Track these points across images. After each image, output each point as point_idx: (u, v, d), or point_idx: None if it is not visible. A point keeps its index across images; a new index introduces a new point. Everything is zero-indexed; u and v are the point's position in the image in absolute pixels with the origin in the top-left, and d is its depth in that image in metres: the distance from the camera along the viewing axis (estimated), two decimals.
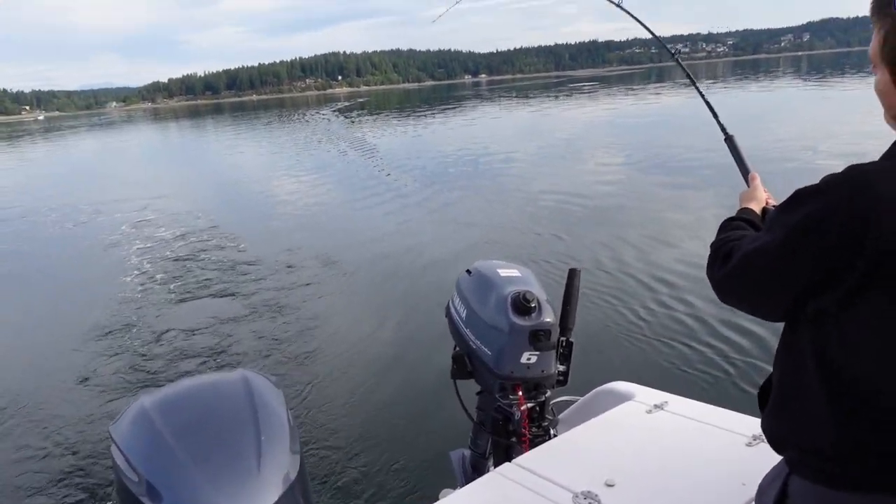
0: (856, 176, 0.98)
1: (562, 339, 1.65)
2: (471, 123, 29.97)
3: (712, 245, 1.27)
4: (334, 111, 54.46)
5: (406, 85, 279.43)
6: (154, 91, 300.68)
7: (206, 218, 12.10)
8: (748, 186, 1.61)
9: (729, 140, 1.91)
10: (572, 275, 1.72)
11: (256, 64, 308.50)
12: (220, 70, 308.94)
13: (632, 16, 2.34)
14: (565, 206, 10.37)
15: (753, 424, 1.56)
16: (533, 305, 1.54)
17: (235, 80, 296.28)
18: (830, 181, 1.00)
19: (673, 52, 2.24)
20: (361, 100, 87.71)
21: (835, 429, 1.02)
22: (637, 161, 14.40)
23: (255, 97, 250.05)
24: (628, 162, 14.46)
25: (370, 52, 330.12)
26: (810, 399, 1.05)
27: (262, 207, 13.40)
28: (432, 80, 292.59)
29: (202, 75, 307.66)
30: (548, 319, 1.56)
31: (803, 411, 1.07)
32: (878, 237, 0.93)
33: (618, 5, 2.33)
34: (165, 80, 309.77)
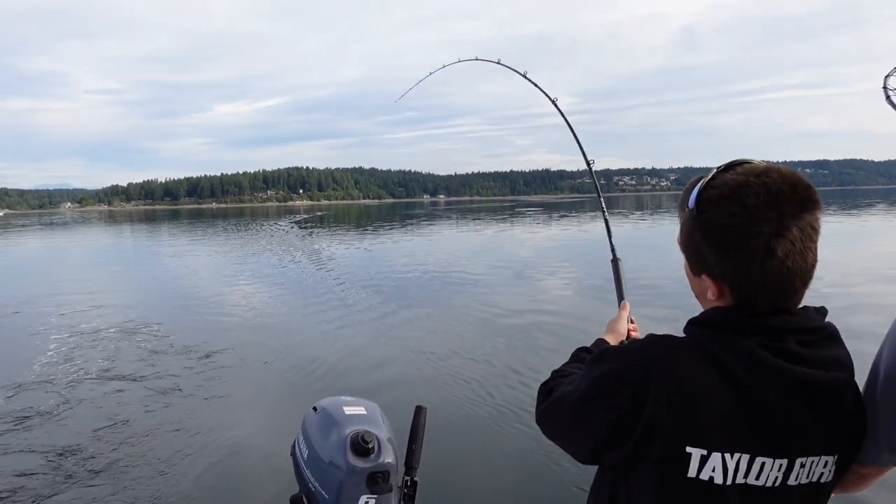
0: (650, 348, 1.07)
1: (406, 478, 1.63)
2: (423, 239, 30.59)
3: (552, 373, 1.36)
4: (292, 222, 54.96)
5: (366, 201, 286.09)
6: (112, 194, 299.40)
7: (135, 314, 12.22)
8: (618, 313, 1.68)
9: (614, 262, 1.96)
10: (418, 412, 1.71)
11: (219, 173, 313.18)
12: (182, 177, 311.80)
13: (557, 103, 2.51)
14: (493, 326, 10.28)
15: None
16: (371, 446, 1.51)
17: (196, 188, 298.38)
18: (631, 347, 1.11)
19: (589, 161, 2.40)
20: (320, 213, 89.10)
21: None
22: (576, 282, 14.76)
23: (214, 205, 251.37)
24: (568, 284, 14.79)
25: (333, 168, 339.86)
26: None
27: (186, 302, 13.79)
28: (392, 198, 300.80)
29: (163, 181, 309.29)
30: (387, 460, 1.53)
31: None
32: (653, 407, 1.02)
33: (552, 101, 2.50)
34: (124, 184, 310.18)
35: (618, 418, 1.05)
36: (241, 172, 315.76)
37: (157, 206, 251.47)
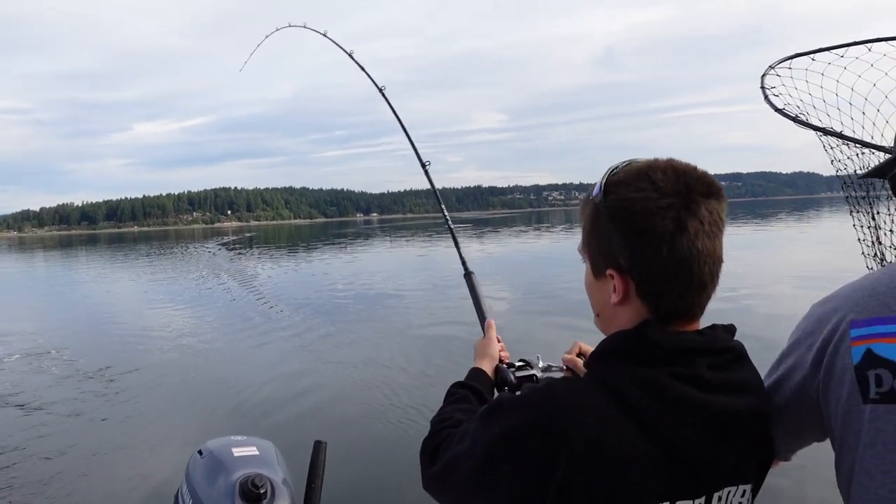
0: (553, 396, 0.96)
1: None
2: (355, 260, 30.17)
3: (431, 425, 1.22)
4: (219, 245, 53.25)
5: (297, 221, 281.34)
6: (22, 219, 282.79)
7: (42, 340, 11.77)
8: (483, 334, 1.54)
9: (468, 277, 1.86)
10: (317, 448, 1.60)
11: (141, 195, 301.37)
12: (101, 200, 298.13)
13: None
14: (411, 345, 9.74)
15: None
16: (263, 491, 1.39)
17: (116, 211, 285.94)
18: (530, 398, 0.98)
19: (425, 162, 2.35)
20: (250, 234, 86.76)
21: None
22: (519, 294, 14.85)
23: (135, 229, 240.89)
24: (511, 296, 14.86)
25: (262, 188, 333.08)
26: None
27: (97, 327, 13.34)
28: (324, 218, 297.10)
29: (79, 205, 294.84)
30: None
31: None
32: (566, 467, 0.90)
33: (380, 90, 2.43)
34: (37, 209, 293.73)
35: (525, 483, 0.94)
36: (164, 194, 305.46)
37: (73, 231, 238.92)
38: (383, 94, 2.53)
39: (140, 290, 20.77)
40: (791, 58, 1.78)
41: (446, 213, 2.17)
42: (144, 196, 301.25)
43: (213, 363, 9.46)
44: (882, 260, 1.90)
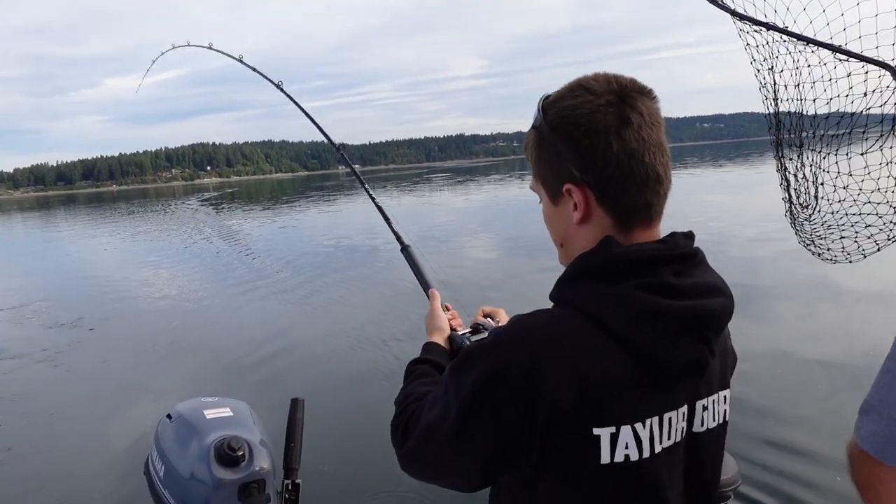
0: (525, 330, 0.94)
1: (286, 482, 1.48)
2: (337, 213, 29.90)
3: (396, 404, 1.18)
4: (200, 201, 52.52)
5: (279, 175, 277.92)
6: None
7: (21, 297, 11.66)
8: (429, 305, 1.50)
9: (405, 251, 1.84)
10: (294, 406, 1.56)
11: (117, 153, 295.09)
12: (76, 160, 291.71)
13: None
14: (390, 300, 9.28)
15: None
16: (241, 454, 1.34)
17: (93, 170, 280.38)
18: (500, 337, 0.95)
19: (337, 145, 2.38)
20: (231, 190, 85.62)
21: None
22: (502, 243, 14.85)
23: (114, 188, 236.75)
24: (495, 245, 14.85)
25: (241, 142, 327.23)
26: None
27: (75, 283, 13.43)
28: (306, 171, 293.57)
29: (54, 165, 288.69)
30: (261, 466, 1.37)
31: None
32: (552, 395, 0.88)
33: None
34: (10, 170, 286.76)
35: (511, 425, 0.91)
36: (141, 151, 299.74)
37: (49, 193, 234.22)
38: (281, 89, 2.51)
39: (120, 248, 20.56)
40: None
41: (370, 192, 2.24)
42: (121, 154, 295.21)
43: (187, 322, 9.23)
44: (793, 222, 1.91)
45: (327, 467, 4.33)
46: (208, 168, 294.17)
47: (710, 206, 18.18)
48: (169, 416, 1.44)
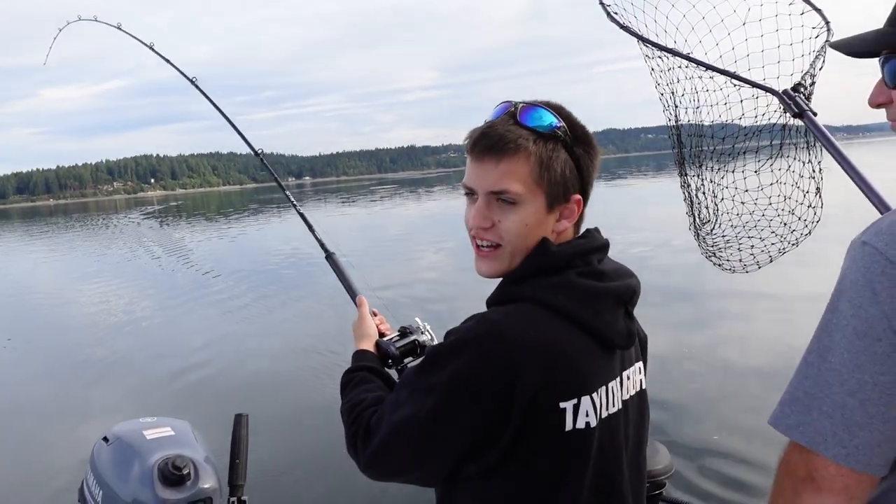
0: (493, 324, 1.00)
1: (232, 500, 1.47)
2: (283, 222, 29.39)
3: (343, 414, 1.19)
4: (143, 215, 50.85)
5: (227, 188, 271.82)
6: None
7: None
8: (357, 312, 1.52)
9: (330, 258, 1.86)
10: (238, 422, 1.55)
11: (55, 166, 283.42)
12: (10, 173, 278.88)
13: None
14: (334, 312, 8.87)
15: None
16: (186, 472, 1.32)
17: (28, 184, 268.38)
18: (469, 333, 1.00)
19: (257, 151, 2.39)
20: (176, 203, 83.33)
21: None
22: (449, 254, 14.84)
23: (51, 202, 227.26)
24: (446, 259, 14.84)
25: (187, 154, 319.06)
26: None
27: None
28: (254, 183, 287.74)
29: None
30: (207, 485, 1.35)
31: None
32: (528, 378, 0.95)
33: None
34: None
35: (489, 414, 0.97)
36: (81, 164, 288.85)
37: None
38: (196, 85, 2.47)
39: (52, 263, 19.83)
40: None
41: (293, 200, 2.21)
42: (59, 167, 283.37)
43: (120, 339, 8.82)
44: (696, 235, 2.08)
45: (273, 482, 4.24)
46: (152, 181, 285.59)
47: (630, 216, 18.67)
48: (105, 439, 1.40)
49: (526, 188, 1.04)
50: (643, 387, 1.19)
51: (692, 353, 6.13)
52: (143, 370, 7.25)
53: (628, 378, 1.13)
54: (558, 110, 1.08)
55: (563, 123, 1.06)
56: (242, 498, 1.48)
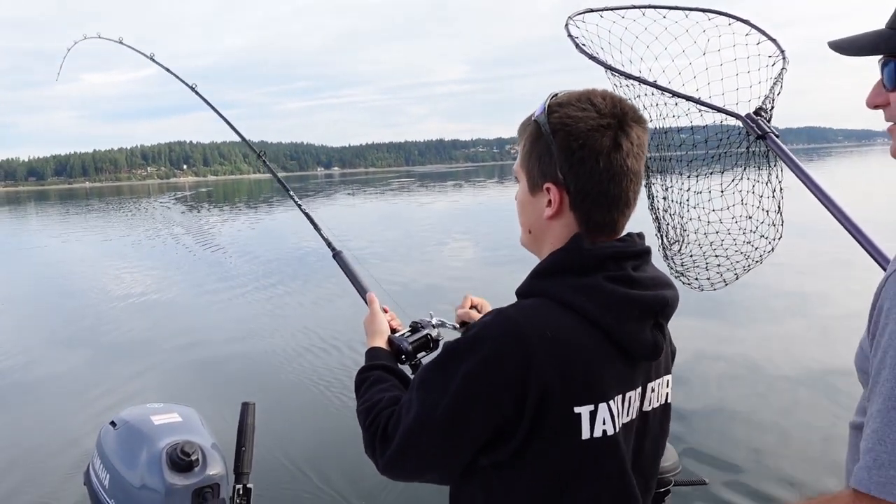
0: (510, 320, 1.00)
1: (237, 487, 1.50)
2: (313, 212, 29.44)
3: (359, 415, 1.19)
4: (174, 199, 51.71)
5: (257, 175, 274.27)
6: None
7: None
8: (368, 309, 1.52)
9: (337, 256, 1.85)
10: (245, 410, 1.57)
11: (91, 150, 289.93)
12: (49, 155, 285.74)
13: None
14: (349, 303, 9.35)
15: None
16: (194, 458, 1.34)
17: (66, 166, 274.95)
18: (487, 329, 1.01)
19: (259, 151, 2.40)
20: (206, 189, 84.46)
21: None
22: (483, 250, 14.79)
23: (87, 185, 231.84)
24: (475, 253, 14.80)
25: (219, 142, 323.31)
26: None
27: (33, 281, 13.22)
28: (284, 172, 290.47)
29: (26, 160, 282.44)
30: (214, 472, 1.37)
31: None
32: (540, 378, 0.96)
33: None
34: None
35: (504, 408, 0.98)
36: (116, 148, 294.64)
37: (20, 188, 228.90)
38: (196, 92, 2.49)
39: (84, 245, 20.20)
40: (584, 12, 2.10)
41: (295, 198, 2.23)
42: (95, 150, 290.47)
43: (134, 323, 8.90)
44: (665, 255, 2.17)
45: (279, 471, 4.30)
46: (185, 167, 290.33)
47: None
48: (113, 423, 1.43)
49: (518, 165, 1.14)
50: (668, 401, 1.17)
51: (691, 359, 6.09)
52: (153, 356, 7.29)
53: (653, 390, 1.11)
54: (558, 97, 1.09)
55: (545, 109, 1.08)
56: (248, 486, 1.50)
